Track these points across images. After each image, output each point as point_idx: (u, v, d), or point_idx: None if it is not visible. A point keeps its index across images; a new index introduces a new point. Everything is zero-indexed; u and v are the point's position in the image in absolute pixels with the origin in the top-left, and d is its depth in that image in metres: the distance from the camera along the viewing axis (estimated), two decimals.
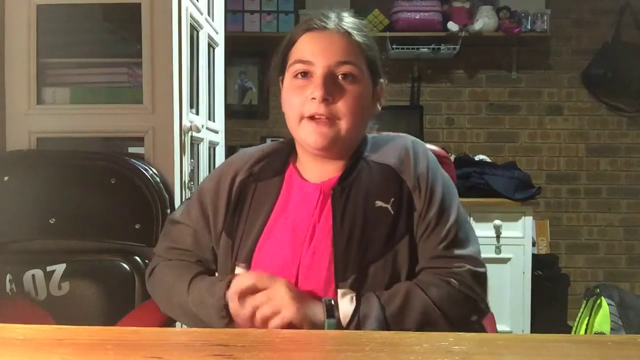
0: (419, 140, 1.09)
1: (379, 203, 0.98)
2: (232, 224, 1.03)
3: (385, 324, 0.89)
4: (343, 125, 0.98)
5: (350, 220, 0.97)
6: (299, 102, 0.99)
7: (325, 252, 0.96)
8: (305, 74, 0.99)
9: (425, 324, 0.91)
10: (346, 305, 0.90)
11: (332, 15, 1.02)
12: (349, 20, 1.03)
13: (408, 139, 1.08)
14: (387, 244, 0.96)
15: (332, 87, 0.97)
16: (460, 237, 0.99)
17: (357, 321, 0.89)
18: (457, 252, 0.98)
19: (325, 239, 0.97)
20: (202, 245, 1.08)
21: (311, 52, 0.99)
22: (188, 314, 1.01)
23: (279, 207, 1.02)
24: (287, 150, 1.09)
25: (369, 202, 0.99)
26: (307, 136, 0.99)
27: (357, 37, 1.00)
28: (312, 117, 0.98)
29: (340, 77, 0.98)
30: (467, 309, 0.96)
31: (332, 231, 0.97)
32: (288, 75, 1.02)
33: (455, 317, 0.94)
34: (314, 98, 0.97)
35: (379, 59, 1.05)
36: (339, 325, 0.89)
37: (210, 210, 1.06)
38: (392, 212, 0.98)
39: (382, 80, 1.07)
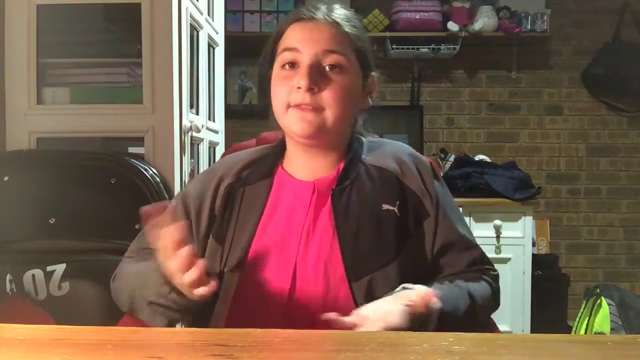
0: (412, 148, 1.11)
1: (385, 206, 0.98)
2: (221, 230, 1.01)
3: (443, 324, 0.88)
4: (328, 115, 0.97)
5: (356, 220, 0.96)
6: (285, 92, 0.98)
7: (330, 252, 0.95)
8: (292, 65, 0.98)
9: (467, 325, 0.90)
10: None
11: (322, 6, 1.02)
12: (339, 12, 1.02)
13: (403, 146, 1.09)
14: (398, 245, 0.97)
15: (317, 76, 0.96)
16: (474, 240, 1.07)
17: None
18: (484, 253, 1.06)
19: (326, 239, 0.96)
20: None
21: (298, 40, 0.98)
22: (137, 300, 0.95)
23: (270, 209, 1.01)
24: (276, 154, 1.08)
25: (374, 205, 0.98)
26: (293, 124, 0.98)
27: (346, 28, 1.00)
28: (297, 106, 0.97)
29: (327, 67, 0.98)
30: (495, 308, 1.05)
31: (336, 231, 0.96)
32: (276, 65, 1.01)
33: (485, 318, 1.02)
34: (299, 87, 0.96)
35: (369, 51, 1.04)
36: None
37: (193, 215, 1.03)
38: (399, 214, 0.98)
39: (373, 73, 1.06)
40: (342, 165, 1.02)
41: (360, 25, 1.04)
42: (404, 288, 0.89)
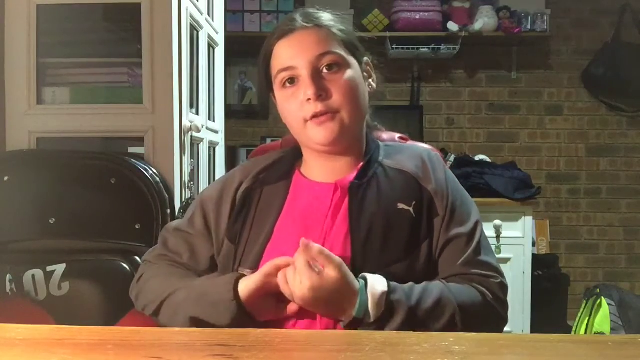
0: (431, 149, 1.10)
1: (401, 205, 0.98)
2: (235, 230, 1.02)
3: (411, 322, 0.87)
4: (344, 115, 0.98)
5: (369, 219, 0.96)
6: (297, 107, 0.99)
7: (343, 249, 0.94)
8: (292, 80, 1.00)
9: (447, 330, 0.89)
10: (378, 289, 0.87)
11: (297, 16, 1.03)
12: (315, 14, 1.03)
13: (422, 148, 1.09)
14: (410, 246, 0.96)
15: (321, 82, 0.98)
16: (486, 245, 1.01)
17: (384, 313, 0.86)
18: (488, 260, 0.99)
19: (341, 236, 0.96)
20: (199, 255, 1.05)
21: (289, 57, 0.99)
22: (180, 311, 0.96)
23: (287, 209, 1.01)
24: (293, 157, 1.09)
25: (390, 204, 0.98)
26: (315, 135, 0.99)
27: (328, 27, 1.01)
28: (314, 117, 0.98)
29: (325, 69, 0.99)
30: (494, 323, 0.96)
31: (349, 228, 0.95)
32: (276, 87, 1.03)
33: (475, 325, 0.92)
34: (309, 99, 0.97)
35: (355, 39, 1.05)
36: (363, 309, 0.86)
37: (212, 218, 1.05)
38: (414, 215, 0.98)
39: (366, 58, 1.07)
40: (361, 166, 1.03)
41: (338, 18, 1.05)
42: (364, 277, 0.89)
